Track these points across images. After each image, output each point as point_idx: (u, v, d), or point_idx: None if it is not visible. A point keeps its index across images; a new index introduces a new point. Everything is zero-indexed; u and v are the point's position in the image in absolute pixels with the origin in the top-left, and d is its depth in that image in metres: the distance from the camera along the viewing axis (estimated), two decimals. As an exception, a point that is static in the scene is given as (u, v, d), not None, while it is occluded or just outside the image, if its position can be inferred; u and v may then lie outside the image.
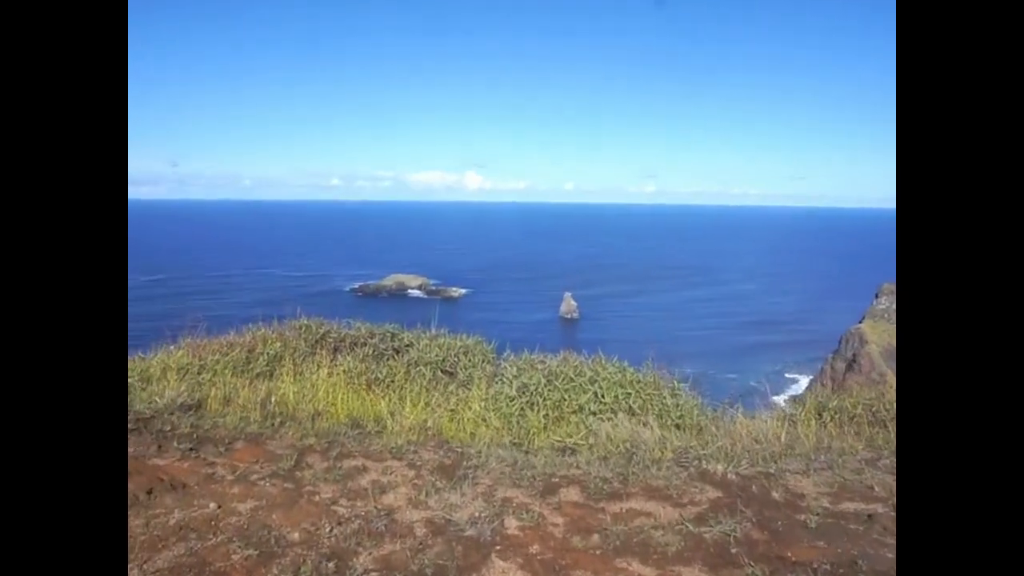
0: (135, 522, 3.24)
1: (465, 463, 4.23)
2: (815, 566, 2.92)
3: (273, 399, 5.34)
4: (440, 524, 3.37)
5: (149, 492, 3.58)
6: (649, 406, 5.38)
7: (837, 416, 5.58)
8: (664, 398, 5.48)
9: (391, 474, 4.03)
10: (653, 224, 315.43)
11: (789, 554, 3.04)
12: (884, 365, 38.73)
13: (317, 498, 3.65)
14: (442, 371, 6.60)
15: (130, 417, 4.64)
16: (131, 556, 2.93)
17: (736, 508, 3.51)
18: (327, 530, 3.26)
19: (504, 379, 5.83)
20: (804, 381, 47.76)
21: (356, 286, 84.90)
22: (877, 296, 47.10)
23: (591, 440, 4.78)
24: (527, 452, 4.61)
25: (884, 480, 3.86)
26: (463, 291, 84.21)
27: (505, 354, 6.66)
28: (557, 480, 3.96)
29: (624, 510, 3.55)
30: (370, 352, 6.96)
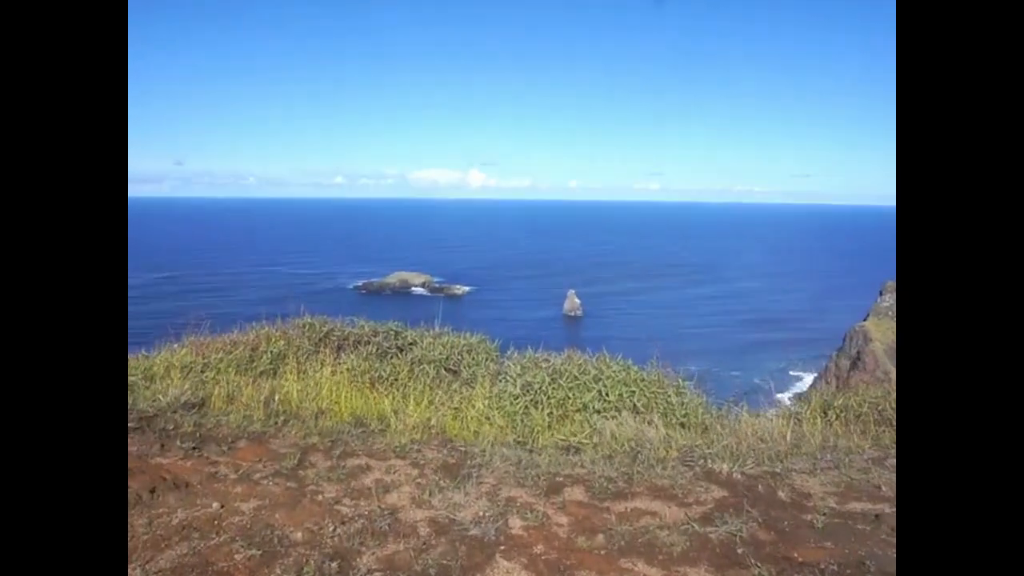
0: (138, 521, 3.24)
1: (469, 462, 4.21)
2: (822, 567, 2.89)
3: (276, 397, 5.33)
4: (444, 524, 3.35)
5: (152, 491, 3.57)
6: (654, 404, 5.35)
7: (843, 415, 5.55)
8: (669, 396, 5.45)
9: (395, 473, 4.01)
10: (657, 221, 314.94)
11: (796, 555, 3.02)
12: (888, 363, 38.59)
13: (320, 497, 3.64)
14: (446, 369, 6.58)
15: (133, 415, 4.64)
16: (134, 556, 2.92)
17: (742, 508, 3.49)
18: (330, 530, 3.25)
19: (508, 377, 5.81)
20: (808, 379, 47.64)
21: (360, 283, 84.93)
22: (881, 294, 46.90)
23: (595, 439, 4.76)
24: (531, 451, 4.59)
25: (891, 480, 3.83)
26: (467, 289, 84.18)
27: (509, 352, 6.64)
28: (561, 479, 3.94)
29: (629, 510, 3.53)
30: (374, 350, 6.95)
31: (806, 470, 4.04)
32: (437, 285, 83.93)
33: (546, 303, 75.48)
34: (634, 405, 5.33)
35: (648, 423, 4.96)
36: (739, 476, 3.93)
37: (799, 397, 7.80)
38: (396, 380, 6.20)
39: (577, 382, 5.54)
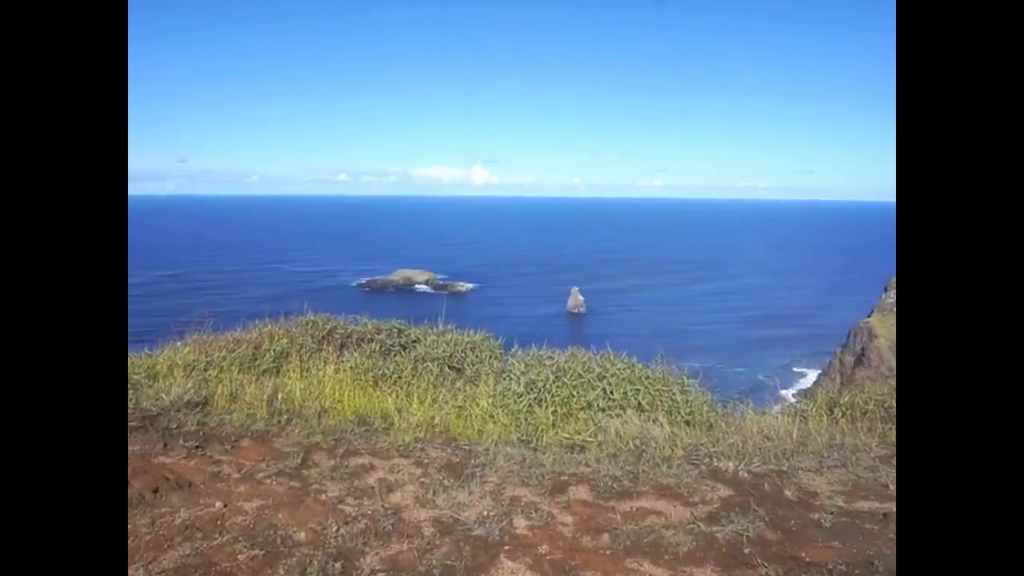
0: (141, 521, 3.22)
1: (473, 461, 4.19)
2: (830, 566, 2.86)
3: (279, 396, 5.31)
4: (448, 523, 3.33)
5: (155, 491, 3.56)
6: (658, 402, 5.32)
7: (849, 412, 5.51)
8: (673, 394, 5.42)
9: (398, 472, 3.99)
10: (661, 218, 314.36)
11: (803, 554, 2.99)
12: (893, 359, 38.44)
13: (324, 497, 3.62)
14: (449, 367, 6.57)
15: (136, 414, 4.62)
16: (136, 556, 2.91)
17: (748, 507, 3.46)
18: (334, 529, 3.23)
19: (512, 375, 5.78)
20: (812, 375, 47.50)
21: (363, 281, 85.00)
22: (886, 290, 46.71)
23: (600, 437, 4.73)
24: (535, 449, 4.56)
25: (899, 478, 3.79)
26: (470, 286, 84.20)
27: (513, 350, 6.62)
28: (566, 478, 3.91)
29: (634, 509, 3.50)
30: (377, 348, 6.93)
31: (813, 468, 4.00)
32: (440, 282, 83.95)
33: (550, 300, 75.45)
34: (639, 403, 5.30)
35: (653, 421, 4.93)
36: (745, 474, 3.90)
37: (804, 394, 7.76)
38: (400, 378, 6.18)
39: (581, 380, 5.51)
